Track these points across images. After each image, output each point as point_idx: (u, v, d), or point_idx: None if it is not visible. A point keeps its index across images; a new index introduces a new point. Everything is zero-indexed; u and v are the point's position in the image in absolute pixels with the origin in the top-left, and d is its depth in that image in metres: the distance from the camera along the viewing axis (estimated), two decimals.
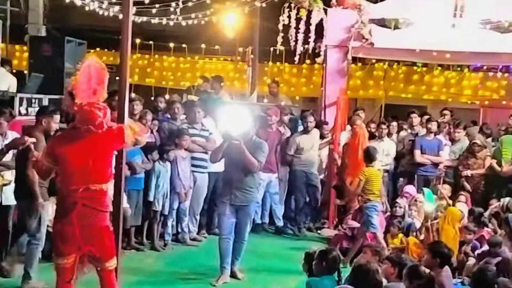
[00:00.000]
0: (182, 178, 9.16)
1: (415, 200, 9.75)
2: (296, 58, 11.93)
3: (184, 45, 16.53)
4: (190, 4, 10.77)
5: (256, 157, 7.52)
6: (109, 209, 5.87)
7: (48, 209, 8.00)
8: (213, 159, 7.87)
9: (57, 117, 6.73)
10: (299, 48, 11.58)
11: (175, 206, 9.26)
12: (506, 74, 16.13)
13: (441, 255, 6.31)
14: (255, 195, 7.95)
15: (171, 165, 9.09)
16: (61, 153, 5.59)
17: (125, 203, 7.62)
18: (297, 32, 11.49)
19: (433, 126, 11.06)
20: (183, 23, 11.39)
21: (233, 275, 7.85)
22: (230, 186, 7.65)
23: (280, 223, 10.63)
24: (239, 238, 7.77)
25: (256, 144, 7.68)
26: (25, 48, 12.46)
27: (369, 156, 8.87)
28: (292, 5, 11.43)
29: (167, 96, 11.96)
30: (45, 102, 9.14)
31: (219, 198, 8.04)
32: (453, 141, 11.24)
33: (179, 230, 9.52)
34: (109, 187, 6.05)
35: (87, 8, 10.04)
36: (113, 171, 6.02)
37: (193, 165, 9.39)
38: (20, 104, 8.61)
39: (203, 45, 16.30)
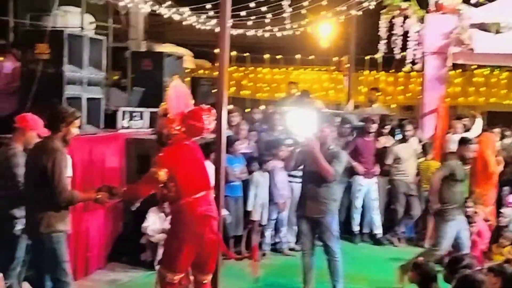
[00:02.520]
0: (279, 188, 9.19)
1: None
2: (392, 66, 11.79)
3: (279, 56, 16.65)
4: (285, 15, 10.83)
5: (332, 166, 7.15)
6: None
7: (150, 219, 8.27)
8: (286, 167, 7.73)
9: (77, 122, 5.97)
10: (397, 56, 11.40)
11: (274, 216, 9.30)
12: None
13: None
14: (331, 207, 7.38)
15: (269, 176, 9.14)
16: (180, 163, 5.75)
17: (225, 211, 7.71)
18: (395, 40, 11.32)
19: None
20: (278, 34, 11.46)
21: None
22: (305, 197, 7.40)
23: (378, 231, 10.47)
24: (329, 255, 7.37)
25: (333, 153, 7.31)
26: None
27: None
28: (391, 13, 11.26)
29: (262, 107, 12.06)
30: (146, 116, 9.39)
31: (296, 211, 7.91)
32: None
33: (277, 240, 9.55)
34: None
35: (184, 23, 10.28)
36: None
37: (290, 175, 9.40)
38: (123, 118, 8.87)
39: (298, 56, 16.37)
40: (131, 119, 9.07)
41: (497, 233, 8.89)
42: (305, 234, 7.44)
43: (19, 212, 5.92)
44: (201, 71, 16.90)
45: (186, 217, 5.72)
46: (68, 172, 5.85)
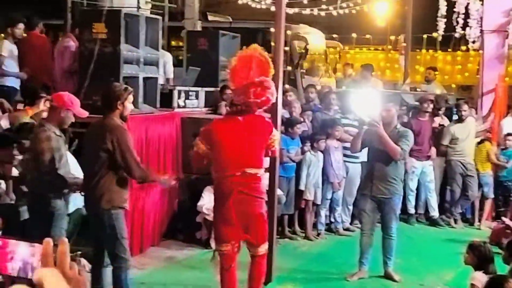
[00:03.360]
0: (335, 168, 9.17)
1: None
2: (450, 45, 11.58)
3: (335, 35, 16.49)
4: None
5: (399, 145, 7.11)
6: (264, 196, 5.99)
7: (205, 198, 8.35)
8: (353, 148, 7.63)
9: (131, 97, 5.89)
10: (456, 34, 11.19)
11: (329, 196, 9.29)
12: None
13: None
14: (399, 187, 7.41)
15: (324, 155, 9.12)
16: (219, 138, 5.77)
17: (279, 191, 7.73)
18: (456, 18, 11.11)
19: None
20: (334, 13, 11.37)
21: (388, 276, 7.46)
22: (371, 177, 7.35)
23: (434, 213, 10.36)
24: (387, 234, 7.41)
25: (400, 133, 7.27)
26: (181, 43, 12.96)
27: None
28: None
29: (318, 87, 12.00)
30: (202, 95, 9.46)
31: (360, 190, 7.88)
32: None
33: (332, 220, 9.55)
34: (265, 175, 6.18)
35: (240, 2, 10.28)
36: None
37: (345, 155, 9.36)
38: (179, 97, 8.96)
39: (354, 35, 16.20)
40: (187, 98, 9.15)
41: None
42: (368, 214, 7.40)
43: (53, 191, 5.85)
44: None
45: (218, 193, 5.91)
46: None
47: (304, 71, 14.60)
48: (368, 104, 7.15)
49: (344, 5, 11.17)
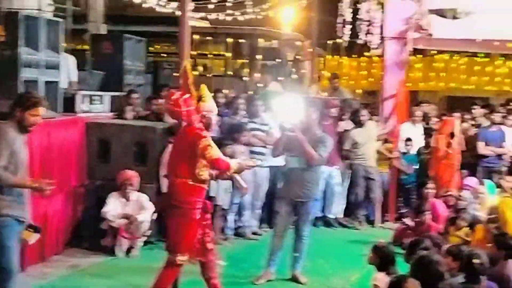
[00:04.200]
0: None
1: (477, 192, 9.55)
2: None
3: (241, 41, 16.53)
4: None
5: (317, 151, 7.26)
6: (185, 205, 6.05)
7: (110, 204, 8.20)
8: (274, 153, 7.69)
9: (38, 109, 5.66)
10: (359, 41, 11.44)
11: (236, 200, 9.30)
12: None
13: (507, 247, 6.18)
14: (315, 191, 7.58)
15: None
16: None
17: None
18: (360, 25, 11.35)
19: (497, 117, 10.86)
20: (240, 18, 11.42)
21: (295, 279, 7.52)
22: (289, 180, 7.46)
23: (340, 215, 10.57)
24: (299, 236, 7.51)
25: (319, 138, 7.42)
26: (85, 46, 12.71)
27: None
28: None
29: (225, 91, 12.02)
30: (106, 100, 9.30)
31: (277, 193, 7.97)
32: None
33: (240, 224, 9.57)
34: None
35: (145, 6, 10.17)
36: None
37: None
38: (82, 102, 8.78)
39: (261, 40, 16.28)
40: (91, 103, 8.98)
41: (455, 215, 9.04)
42: (283, 216, 7.46)
43: None
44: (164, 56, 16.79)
45: None
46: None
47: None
48: (288, 109, 7.22)
49: (250, 10, 11.23)
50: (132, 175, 8.33)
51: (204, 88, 6.30)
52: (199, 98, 6.22)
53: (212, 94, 10.57)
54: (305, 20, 14.51)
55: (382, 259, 5.91)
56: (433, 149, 10.38)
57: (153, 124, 8.90)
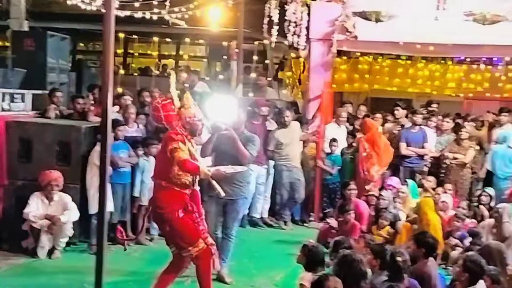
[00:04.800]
0: None
1: (399, 192, 9.79)
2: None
3: (168, 39, 16.45)
4: None
5: (247, 150, 7.34)
6: (163, 208, 6.27)
7: (32, 204, 8.01)
8: (204, 153, 7.59)
9: None
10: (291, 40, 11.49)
11: None
12: (489, 67, 16.19)
13: (426, 245, 6.35)
14: (245, 190, 7.65)
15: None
16: None
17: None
18: (288, 26, 11.42)
19: (418, 118, 11.13)
20: (167, 17, 11.34)
21: (220, 278, 7.49)
22: (218, 179, 7.51)
23: (265, 214, 10.64)
24: (226, 235, 7.55)
25: (247, 137, 7.50)
26: (7, 43, 12.37)
27: None
28: None
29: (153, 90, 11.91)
30: (28, 98, 9.09)
31: (206, 192, 7.96)
32: (440, 132, 11.34)
33: None
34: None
35: (69, 3, 9.98)
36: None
37: None
38: (3, 100, 8.55)
39: (187, 39, 16.24)
40: (11, 101, 8.76)
41: (377, 214, 9.25)
42: (212, 215, 7.45)
43: None
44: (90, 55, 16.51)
45: None
46: None
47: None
48: (218, 109, 7.20)
49: (176, 9, 11.15)
50: (58, 175, 8.17)
51: (187, 95, 6.55)
52: (182, 105, 6.46)
53: (137, 93, 10.54)
54: (233, 20, 14.51)
55: (309, 259, 5.98)
56: (357, 149, 10.58)
57: (77, 123, 8.75)
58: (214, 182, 6.59)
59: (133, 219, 9.12)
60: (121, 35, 13.91)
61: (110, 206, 8.10)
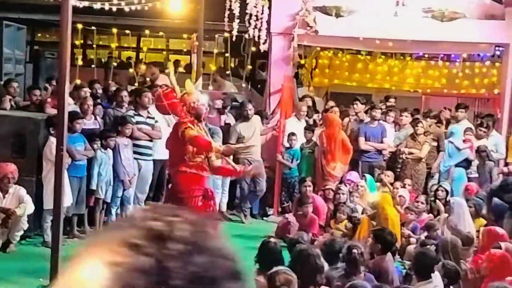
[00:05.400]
0: (125, 165, 9.07)
1: (357, 186, 9.87)
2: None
3: (127, 31, 16.24)
4: None
5: None
6: (184, 192, 6.51)
7: None
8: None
9: None
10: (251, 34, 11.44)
11: (119, 194, 9.16)
12: (447, 63, 16.38)
13: (384, 241, 6.41)
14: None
15: (114, 153, 8.98)
16: None
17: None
18: (248, 20, 11.36)
19: (377, 113, 11.21)
20: (126, 9, 11.20)
21: None
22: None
23: (224, 208, 10.62)
24: None
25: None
26: None
27: None
28: None
29: (111, 83, 11.81)
30: None
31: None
32: (399, 127, 11.45)
33: None
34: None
35: None
36: None
37: (138, 153, 9.33)
38: None
39: (147, 31, 16.07)
40: None
41: (335, 209, 9.30)
42: None
43: None
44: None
45: None
46: None
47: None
48: None
49: (136, 1, 11.02)
50: (14, 168, 8.02)
51: (188, 82, 6.80)
52: (185, 92, 6.67)
53: (89, 83, 10.40)
54: (193, 12, 14.41)
55: (264, 255, 5.96)
56: (318, 144, 10.61)
57: (33, 115, 8.61)
58: (227, 159, 6.91)
59: (89, 213, 9.00)
60: (80, 26, 13.68)
61: (68, 201, 7.99)
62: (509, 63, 11.76)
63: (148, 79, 12.31)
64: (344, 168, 10.51)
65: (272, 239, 6.26)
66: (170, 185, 6.95)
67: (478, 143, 10.77)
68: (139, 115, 9.42)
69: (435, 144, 10.97)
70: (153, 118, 9.50)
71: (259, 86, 15.22)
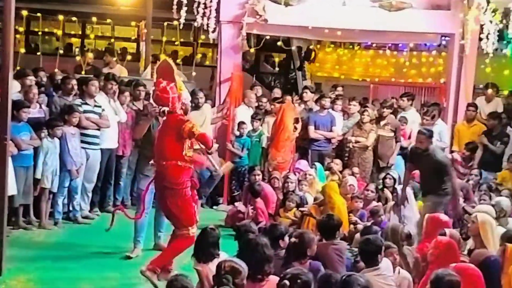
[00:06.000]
0: (72, 154, 8.94)
1: (306, 175, 9.92)
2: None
3: (74, 18, 15.93)
4: None
5: None
6: (178, 186, 6.58)
7: None
8: (136, 135, 8.26)
9: None
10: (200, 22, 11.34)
11: (66, 183, 9.03)
12: (395, 52, 16.58)
13: (327, 229, 6.46)
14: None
15: (60, 142, 8.84)
16: None
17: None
18: (197, 8, 11.26)
19: (326, 102, 11.29)
20: None
21: (158, 248, 7.77)
22: (152, 159, 7.36)
23: None
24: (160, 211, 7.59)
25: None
26: None
27: None
28: None
29: (56, 70, 11.59)
30: None
31: (140, 171, 8.15)
32: (347, 116, 11.55)
33: (71, 208, 9.30)
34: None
35: None
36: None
37: (85, 142, 9.22)
38: None
39: (94, 19, 15.81)
40: None
41: (284, 197, 9.34)
42: (148, 195, 7.41)
43: None
44: None
45: None
46: None
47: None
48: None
49: None
50: None
51: (179, 79, 6.79)
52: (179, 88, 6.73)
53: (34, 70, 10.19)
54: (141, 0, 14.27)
55: (201, 242, 5.94)
56: (274, 132, 10.63)
57: None
58: (210, 157, 7.19)
59: (35, 203, 8.86)
60: (24, 12, 13.37)
61: (12, 190, 7.84)
62: (454, 53, 11.95)
63: (104, 69, 12.14)
64: (284, 158, 10.57)
65: (210, 227, 6.24)
66: (154, 177, 6.90)
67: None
68: (86, 103, 9.28)
69: (392, 134, 11.01)
70: (99, 106, 9.38)
71: None
